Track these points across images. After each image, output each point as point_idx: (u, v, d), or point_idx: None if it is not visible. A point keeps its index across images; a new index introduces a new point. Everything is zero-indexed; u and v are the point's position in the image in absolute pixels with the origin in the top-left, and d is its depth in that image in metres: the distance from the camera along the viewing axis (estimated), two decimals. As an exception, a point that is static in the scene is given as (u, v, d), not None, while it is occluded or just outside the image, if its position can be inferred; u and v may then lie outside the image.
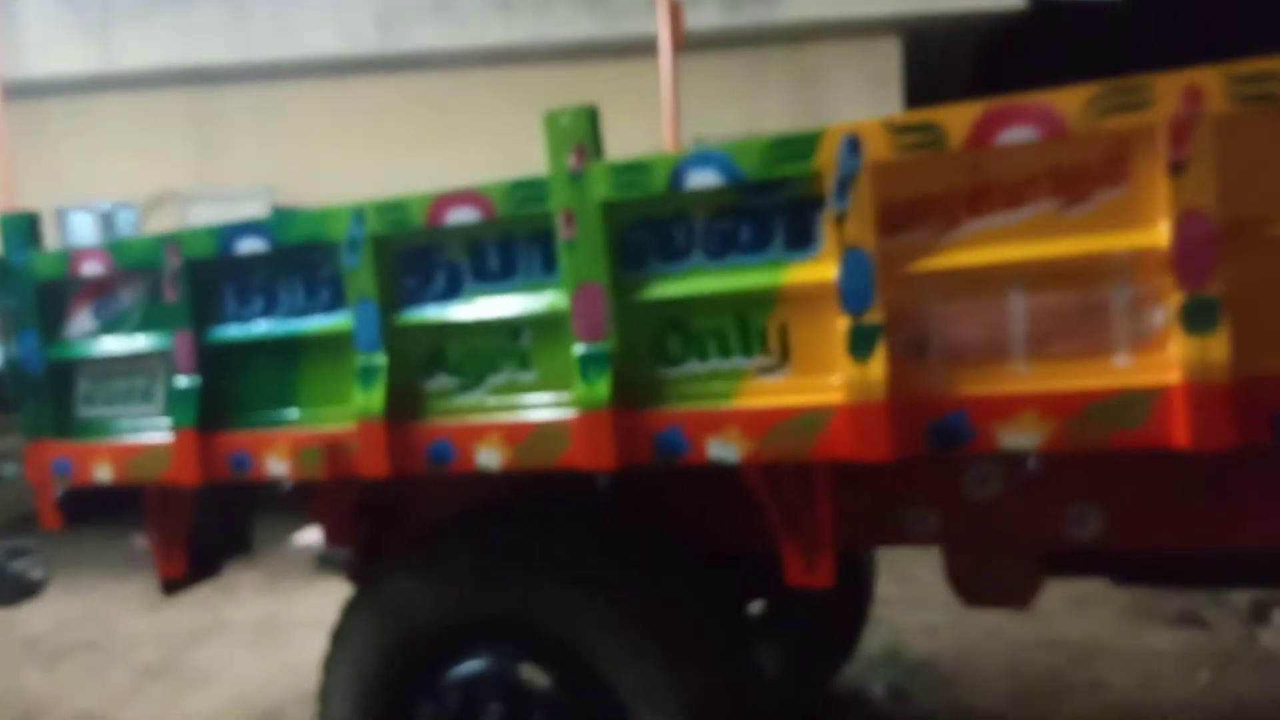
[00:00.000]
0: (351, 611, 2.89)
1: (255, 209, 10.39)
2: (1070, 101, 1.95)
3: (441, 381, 2.57)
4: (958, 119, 2.01)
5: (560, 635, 2.61)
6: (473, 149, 10.30)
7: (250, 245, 2.69)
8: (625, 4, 10.30)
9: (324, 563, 6.65)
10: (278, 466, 2.71)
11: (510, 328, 2.49)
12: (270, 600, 6.00)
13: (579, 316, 2.35)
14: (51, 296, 3.00)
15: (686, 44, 10.02)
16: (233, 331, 2.79)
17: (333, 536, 3.42)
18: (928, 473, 2.49)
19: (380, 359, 2.56)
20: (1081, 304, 2.02)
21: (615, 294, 2.33)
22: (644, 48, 10.61)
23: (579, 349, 2.36)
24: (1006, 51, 10.49)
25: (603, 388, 2.32)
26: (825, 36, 10.61)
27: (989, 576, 2.71)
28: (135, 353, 2.91)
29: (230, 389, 2.80)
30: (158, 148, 10.68)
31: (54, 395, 3.02)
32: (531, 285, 2.46)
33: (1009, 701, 4.39)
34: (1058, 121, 1.95)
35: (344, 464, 2.61)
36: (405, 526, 3.29)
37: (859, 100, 10.72)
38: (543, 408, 2.45)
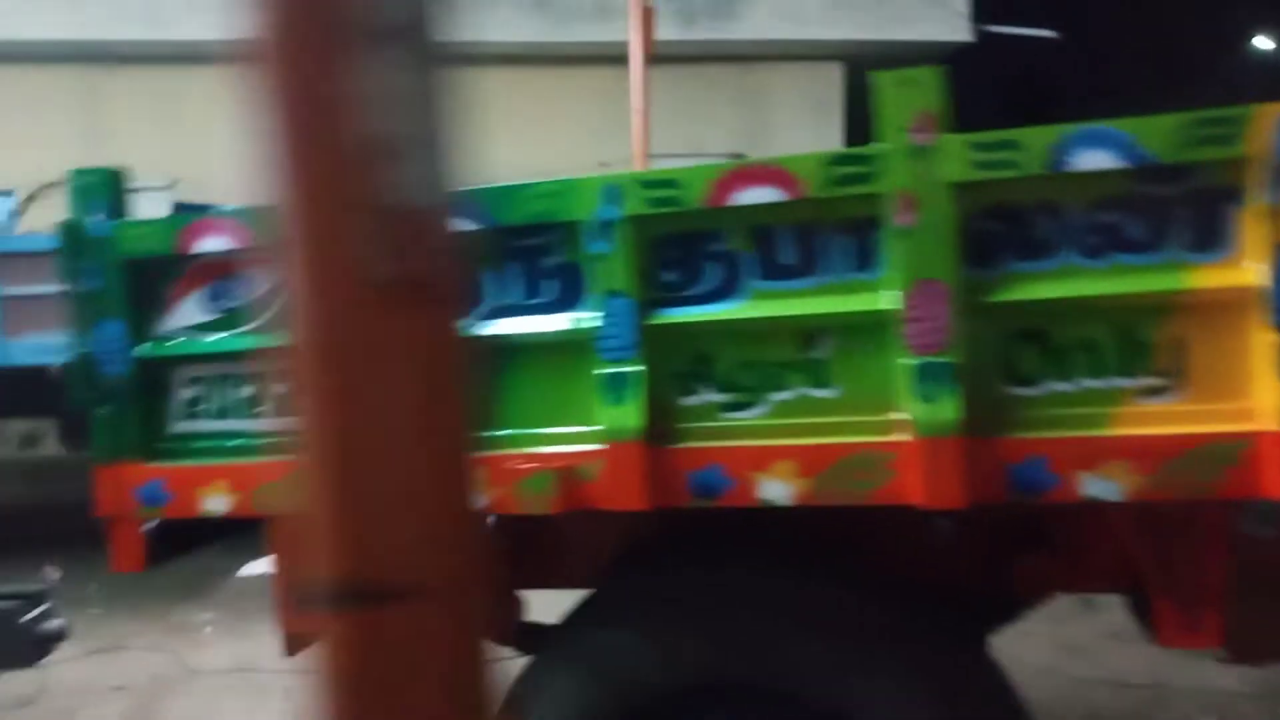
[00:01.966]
0: (539, 678, 2.36)
1: (153, 206, 9.41)
2: None
3: (705, 397, 2.11)
4: None
5: (828, 700, 2.18)
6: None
7: (459, 225, 2.15)
8: (574, 9, 9.91)
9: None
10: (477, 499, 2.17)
11: (805, 335, 2.06)
12: (239, 643, 5.22)
13: (915, 322, 1.95)
14: (145, 278, 2.36)
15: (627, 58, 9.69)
16: (413, 329, 2.24)
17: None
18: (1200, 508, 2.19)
19: (635, 366, 2.08)
20: None
21: (960, 296, 1.94)
22: (590, 55, 10.24)
23: (913, 362, 1.95)
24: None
25: (949, 409, 1.92)
26: (772, 58, 10.51)
27: (1271, 627, 2.44)
28: (265, 350, 2.31)
29: (404, 401, 2.25)
30: (42, 131, 9.52)
31: (142, 405, 2.37)
32: (840, 284, 2.04)
33: (1104, 748, 4.17)
34: None
35: (579, 494, 2.11)
36: (527, 569, 2.77)
37: (801, 124, 10.67)
38: (848, 433, 2.03)
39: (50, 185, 9.82)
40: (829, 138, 10.60)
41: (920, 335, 1.95)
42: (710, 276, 2.09)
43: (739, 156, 10.74)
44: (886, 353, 2.00)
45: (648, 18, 8.30)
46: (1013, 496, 1.92)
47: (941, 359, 1.94)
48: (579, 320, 2.14)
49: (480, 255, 2.19)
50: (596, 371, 2.10)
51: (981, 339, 1.95)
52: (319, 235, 1.02)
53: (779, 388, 2.07)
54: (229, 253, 2.29)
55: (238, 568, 6.71)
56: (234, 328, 2.34)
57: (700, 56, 10.08)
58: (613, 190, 2.06)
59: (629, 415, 2.07)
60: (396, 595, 1.05)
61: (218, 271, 2.34)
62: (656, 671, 2.25)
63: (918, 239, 1.94)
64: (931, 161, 1.93)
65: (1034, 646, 5.04)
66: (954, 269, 1.93)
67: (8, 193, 9.67)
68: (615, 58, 10.23)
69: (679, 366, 2.11)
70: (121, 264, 2.34)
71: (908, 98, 1.94)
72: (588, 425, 2.13)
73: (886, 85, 1.95)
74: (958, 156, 1.92)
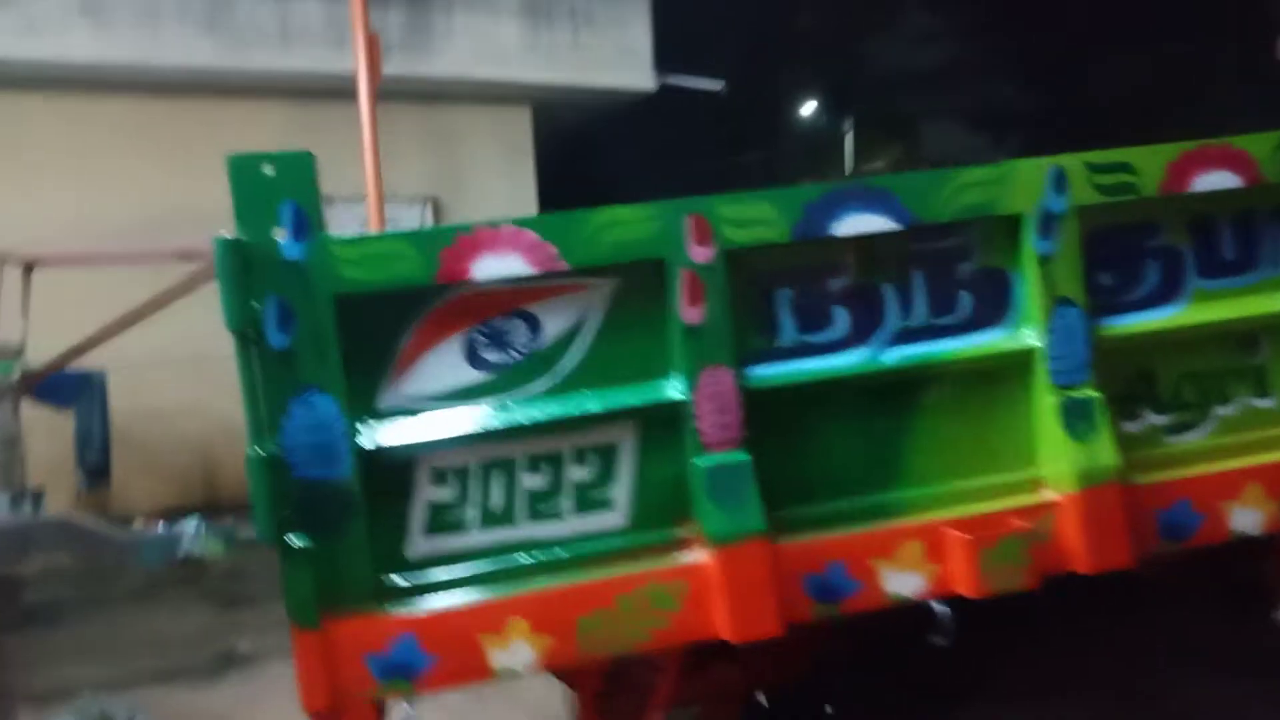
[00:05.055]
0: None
1: None
2: None
3: (1148, 420, 1.79)
4: None
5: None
6: (34, 189, 7.81)
7: (863, 223, 1.63)
8: (253, 32, 8.70)
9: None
10: (905, 583, 1.65)
11: (1246, 338, 1.82)
12: None
13: None
14: (369, 325, 1.52)
15: (315, 91, 8.75)
16: (794, 368, 1.66)
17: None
18: None
19: (1091, 391, 1.70)
20: None
21: (1404, 285, 1.83)
22: (271, 87, 9.08)
23: (1375, 359, 1.80)
24: (631, 127, 10.88)
25: None
26: (461, 99, 10.01)
27: None
28: (573, 420, 1.58)
29: (784, 466, 1.65)
30: None
31: (374, 522, 1.52)
32: (1277, 279, 1.83)
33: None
34: None
35: (1049, 558, 1.68)
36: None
37: (494, 168, 10.27)
38: (1293, 444, 1.82)
39: None
40: (522, 182, 10.30)
41: None
42: (1149, 277, 1.78)
43: (434, 199, 10.11)
44: None
45: (374, 46, 7.47)
46: None
47: None
48: (1011, 338, 1.71)
49: (888, 264, 1.68)
50: (1050, 400, 1.69)
51: None
52: None
53: (1222, 401, 1.81)
54: (523, 280, 1.55)
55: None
56: (512, 389, 1.59)
57: (388, 93, 9.31)
58: (1059, 177, 1.68)
59: (1100, 451, 1.68)
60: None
61: (489, 308, 1.57)
62: None
63: None
64: None
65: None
66: None
67: None
68: (300, 91, 9.16)
69: (1119, 386, 1.77)
70: (333, 303, 1.49)
71: None
72: (1032, 469, 1.71)
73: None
74: None
